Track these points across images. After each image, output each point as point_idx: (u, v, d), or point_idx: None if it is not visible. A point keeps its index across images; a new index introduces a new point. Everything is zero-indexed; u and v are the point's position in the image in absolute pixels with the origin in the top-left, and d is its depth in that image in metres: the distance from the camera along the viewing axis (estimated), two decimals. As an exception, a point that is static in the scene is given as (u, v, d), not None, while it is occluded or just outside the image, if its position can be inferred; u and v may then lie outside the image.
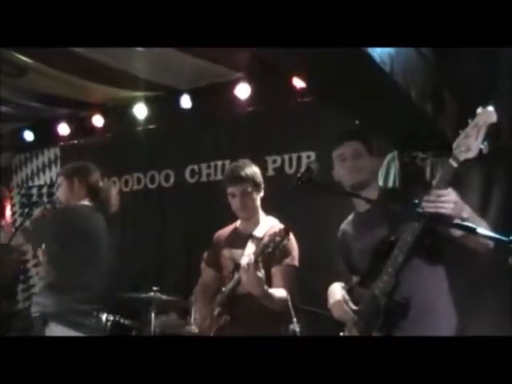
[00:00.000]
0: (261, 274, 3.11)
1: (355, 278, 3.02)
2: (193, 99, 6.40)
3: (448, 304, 2.81)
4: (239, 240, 3.53)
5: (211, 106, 6.31)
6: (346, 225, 3.18)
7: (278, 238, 3.09)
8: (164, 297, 5.02)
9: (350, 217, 3.16)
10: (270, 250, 3.08)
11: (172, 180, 6.80)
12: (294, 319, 4.56)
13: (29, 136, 7.89)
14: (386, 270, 2.65)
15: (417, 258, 2.68)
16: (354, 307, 2.82)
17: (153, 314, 4.93)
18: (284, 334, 3.79)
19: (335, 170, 3.07)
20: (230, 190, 3.48)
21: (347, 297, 2.86)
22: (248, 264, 3.12)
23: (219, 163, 6.42)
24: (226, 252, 3.55)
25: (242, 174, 3.44)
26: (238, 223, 3.63)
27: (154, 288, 4.97)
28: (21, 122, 7.79)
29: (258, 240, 3.40)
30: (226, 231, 3.70)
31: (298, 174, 2.52)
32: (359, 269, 2.97)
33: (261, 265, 3.11)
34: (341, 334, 2.86)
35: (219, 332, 3.38)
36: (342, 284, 3.01)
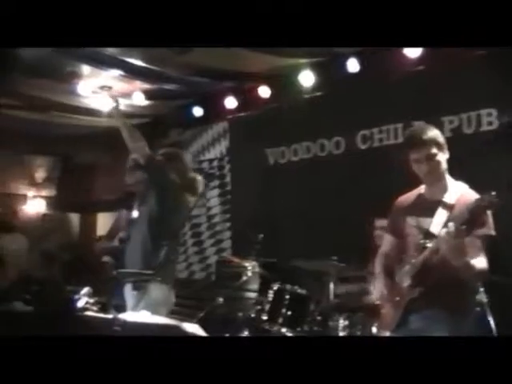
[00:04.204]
0: (463, 242, 2.91)
1: None
2: (360, 62, 6.21)
3: None
4: (426, 207, 3.30)
5: (379, 68, 6.09)
6: None
7: (482, 205, 2.85)
8: (342, 265, 4.92)
9: None
10: (472, 217, 2.85)
11: (343, 147, 6.67)
12: (481, 289, 4.32)
13: (197, 112, 8.17)
14: None
15: None
16: None
17: (331, 284, 4.86)
18: (470, 304, 3.59)
19: None
20: (413, 156, 3.27)
21: None
22: (448, 232, 2.92)
23: (391, 127, 6.18)
24: (410, 220, 3.35)
25: (425, 137, 3.23)
26: (422, 189, 3.41)
27: (333, 257, 4.89)
28: (187, 99, 8.01)
29: (449, 207, 3.19)
30: (408, 197, 3.49)
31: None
32: None
33: (464, 232, 2.90)
34: None
35: (410, 304, 3.22)
36: None
